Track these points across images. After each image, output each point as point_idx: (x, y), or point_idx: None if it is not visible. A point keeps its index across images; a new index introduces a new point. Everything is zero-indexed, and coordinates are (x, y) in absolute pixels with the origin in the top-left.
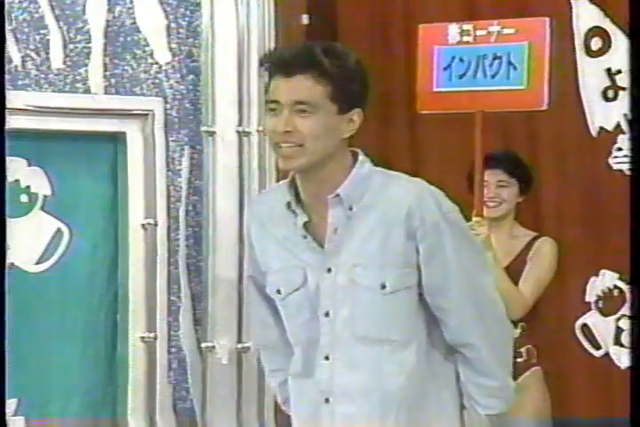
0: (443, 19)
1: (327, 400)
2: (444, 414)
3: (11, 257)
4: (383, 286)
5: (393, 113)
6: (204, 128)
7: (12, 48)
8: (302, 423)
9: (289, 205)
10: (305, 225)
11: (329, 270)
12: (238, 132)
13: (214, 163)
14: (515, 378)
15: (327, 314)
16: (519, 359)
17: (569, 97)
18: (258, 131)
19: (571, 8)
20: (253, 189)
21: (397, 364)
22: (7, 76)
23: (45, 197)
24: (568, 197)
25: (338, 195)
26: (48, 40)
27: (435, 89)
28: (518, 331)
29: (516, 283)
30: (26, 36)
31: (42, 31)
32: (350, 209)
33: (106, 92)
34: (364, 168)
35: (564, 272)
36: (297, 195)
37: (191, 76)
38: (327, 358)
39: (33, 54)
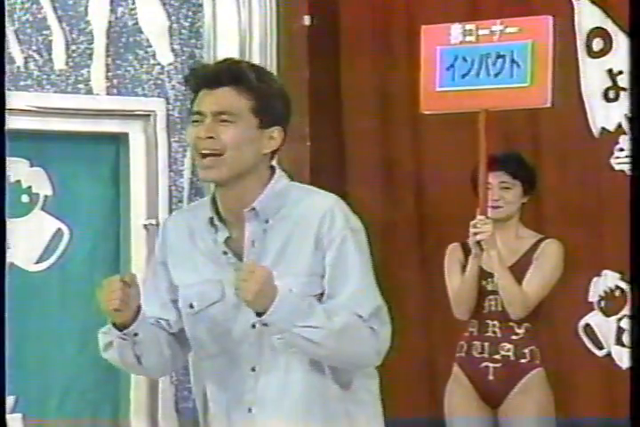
0: (445, 19)
1: (250, 410)
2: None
3: (11, 257)
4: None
5: (396, 114)
6: None
7: (14, 49)
8: None
9: (211, 220)
10: (226, 241)
11: None
12: None
13: None
14: (518, 379)
15: (253, 326)
16: (523, 360)
17: (571, 98)
18: None
19: (572, 9)
20: None
21: (303, 373)
22: (9, 77)
23: (46, 197)
24: (570, 197)
25: (254, 208)
26: (50, 41)
27: (438, 89)
28: (522, 331)
29: (519, 282)
30: (28, 37)
31: (44, 32)
32: (266, 222)
33: (108, 93)
34: (280, 183)
35: (566, 272)
36: (218, 211)
37: None
38: (253, 369)
39: (35, 55)
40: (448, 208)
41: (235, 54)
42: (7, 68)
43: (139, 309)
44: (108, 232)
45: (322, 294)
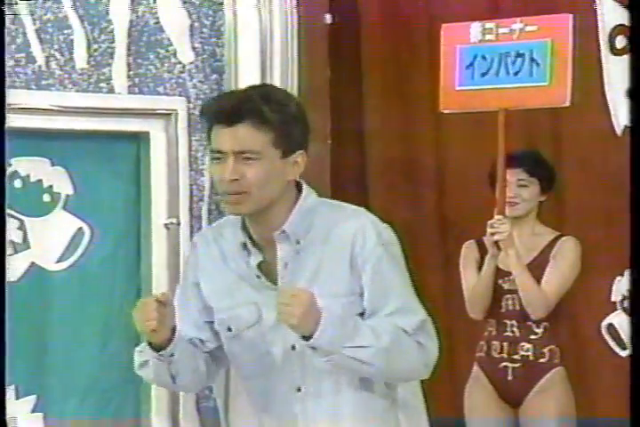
0: (467, 17)
1: None
2: None
3: (32, 256)
4: None
5: (417, 113)
6: None
7: (35, 48)
8: None
9: (244, 245)
10: (259, 265)
11: None
12: None
13: None
14: (537, 379)
15: (293, 347)
16: (542, 360)
17: (594, 96)
18: None
19: (595, 6)
20: None
21: (353, 396)
22: (31, 76)
23: (67, 196)
24: (593, 196)
25: (284, 231)
26: (72, 40)
27: (457, 88)
28: (541, 331)
29: (537, 281)
30: (50, 37)
31: (66, 31)
32: (298, 243)
33: (129, 92)
34: (307, 201)
35: (589, 272)
36: (250, 235)
37: (214, 76)
38: (299, 389)
39: (57, 54)
40: (470, 207)
41: (255, 53)
42: (29, 67)
43: (174, 328)
44: (129, 231)
45: (362, 314)
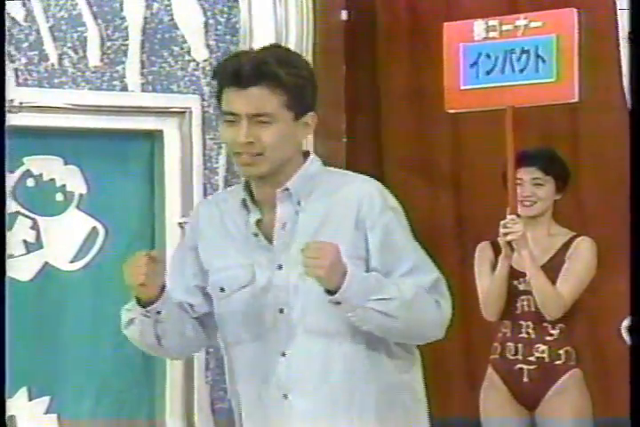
0: (484, 14)
1: (286, 396)
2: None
3: (45, 256)
4: None
5: (433, 112)
6: None
7: (49, 46)
8: (258, 421)
9: (244, 202)
10: (257, 223)
11: (280, 267)
12: None
13: None
14: (553, 381)
15: (282, 311)
16: (557, 362)
17: (612, 93)
18: None
19: (614, 1)
20: None
21: (344, 357)
22: (44, 75)
23: (81, 195)
24: (610, 195)
25: (287, 189)
26: (85, 38)
27: (462, 87)
28: (556, 332)
29: (553, 281)
30: (63, 34)
31: (79, 29)
32: (299, 204)
33: (143, 90)
34: (313, 166)
35: (607, 272)
36: (251, 194)
37: None
38: (284, 354)
39: (70, 52)
40: (486, 207)
41: None
42: (42, 65)
43: (163, 287)
44: (143, 230)
45: None
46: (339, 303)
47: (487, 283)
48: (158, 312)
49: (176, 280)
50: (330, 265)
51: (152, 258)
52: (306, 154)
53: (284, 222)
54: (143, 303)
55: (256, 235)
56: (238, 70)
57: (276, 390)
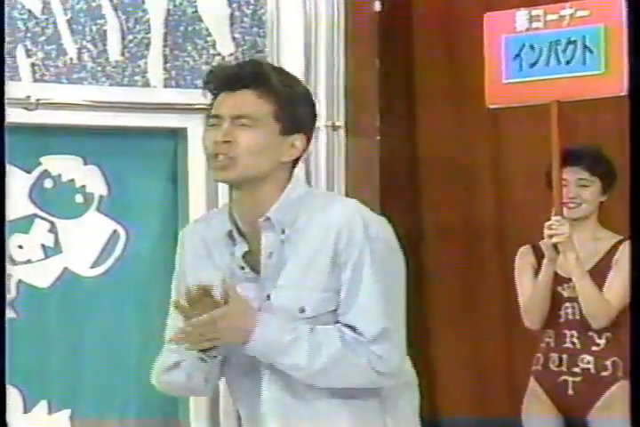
0: (526, 3)
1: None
2: None
3: (64, 261)
4: (302, 310)
5: (471, 109)
6: None
7: (67, 40)
8: None
9: (230, 233)
10: (244, 255)
11: (268, 297)
12: None
13: None
14: (600, 394)
15: None
16: (604, 373)
17: None
18: (326, 126)
19: None
20: (320, 188)
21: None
22: (62, 69)
23: (101, 197)
24: None
25: (268, 218)
26: (105, 31)
27: (505, 81)
28: (603, 342)
29: (599, 288)
30: (82, 27)
31: (99, 21)
32: (283, 233)
33: (166, 86)
34: (296, 190)
35: None
36: (236, 224)
37: None
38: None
39: (89, 46)
40: (529, 209)
41: (299, 44)
42: (59, 60)
43: None
44: (167, 233)
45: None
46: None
47: (529, 289)
48: (215, 357)
49: None
50: (225, 335)
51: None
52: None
53: (269, 252)
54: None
55: (242, 268)
56: (231, 74)
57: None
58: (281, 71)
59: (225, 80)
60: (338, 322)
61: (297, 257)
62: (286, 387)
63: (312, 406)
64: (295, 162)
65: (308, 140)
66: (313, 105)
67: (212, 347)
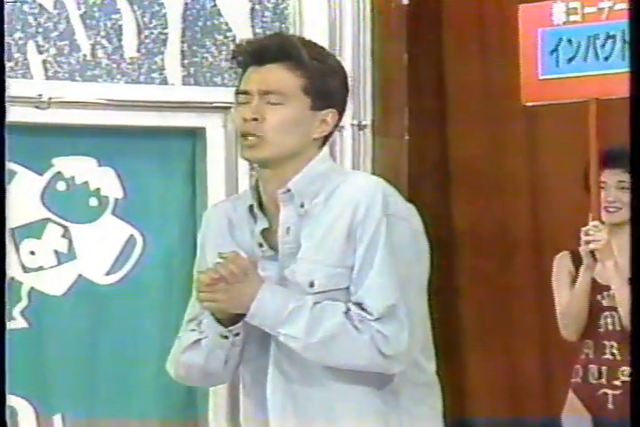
0: None
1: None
2: None
3: (78, 268)
4: (311, 284)
5: (504, 106)
6: None
7: (80, 35)
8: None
9: (251, 208)
10: (263, 232)
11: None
12: None
13: None
14: None
15: None
16: None
17: None
18: (352, 125)
19: None
20: None
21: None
22: (75, 67)
23: (117, 200)
24: None
25: (289, 190)
26: (121, 26)
27: (541, 77)
28: None
29: None
30: (96, 22)
31: (114, 16)
32: (302, 206)
33: (184, 83)
34: (320, 165)
35: None
36: (260, 199)
37: None
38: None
39: (104, 42)
40: (566, 213)
41: (323, 39)
42: (72, 56)
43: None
44: (186, 238)
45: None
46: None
47: (566, 298)
48: (237, 334)
49: None
50: (228, 298)
51: (252, 262)
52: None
53: (287, 227)
54: (224, 322)
55: (260, 245)
56: (258, 47)
57: (264, 405)
58: (311, 44)
59: (252, 53)
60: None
61: (314, 231)
62: (296, 372)
63: (323, 392)
64: (326, 139)
65: (340, 116)
66: (345, 79)
67: (238, 320)
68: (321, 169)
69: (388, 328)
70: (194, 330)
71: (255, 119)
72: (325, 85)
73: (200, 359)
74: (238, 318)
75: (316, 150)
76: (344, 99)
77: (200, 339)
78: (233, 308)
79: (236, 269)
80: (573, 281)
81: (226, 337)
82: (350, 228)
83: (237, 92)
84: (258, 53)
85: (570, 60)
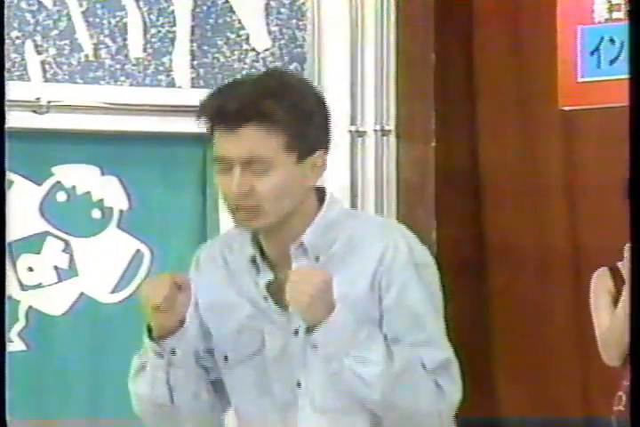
0: None
1: None
2: None
3: (80, 285)
4: None
5: (539, 110)
6: None
7: (82, 34)
8: None
9: (253, 260)
10: (268, 285)
11: (296, 333)
12: (351, 131)
13: None
14: None
15: (299, 384)
16: None
17: None
18: (375, 130)
19: None
20: (368, 200)
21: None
22: (76, 68)
23: (121, 211)
24: None
25: (302, 243)
26: (125, 24)
27: (580, 79)
28: None
29: None
30: (99, 20)
31: (118, 13)
32: (317, 260)
33: (193, 86)
34: (331, 212)
35: None
36: (261, 247)
37: (294, 65)
38: None
39: (107, 41)
40: (606, 227)
41: (344, 38)
42: (73, 56)
43: (182, 321)
44: (196, 252)
45: None
46: (315, 347)
47: (607, 319)
48: (173, 351)
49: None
50: (315, 293)
51: (177, 284)
52: (320, 193)
53: None
54: (156, 337)
55: (266, 299)
56: (225, 107)
57: None
58: (280, 92)
59: (220, 114)
60: None
61: (339, 287)
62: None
63: None
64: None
65: (327, 151)
66: (325, 114)
67: (170, 335)
68: (332, 216)
69: (444, 381)
70: (141, 356)
71: (244, 193)
72: (307, 134)
73: (145, 388)
74: (172, 332)
75: (313, 194)
76: (328, 134)
77: (145, 363)
78: (308, 310)
79: None
80: (614, 300)
81: (161, 355)
82: (373, 280)
83: (215, 158)
84: (225, 114)
85: (612, 61)
